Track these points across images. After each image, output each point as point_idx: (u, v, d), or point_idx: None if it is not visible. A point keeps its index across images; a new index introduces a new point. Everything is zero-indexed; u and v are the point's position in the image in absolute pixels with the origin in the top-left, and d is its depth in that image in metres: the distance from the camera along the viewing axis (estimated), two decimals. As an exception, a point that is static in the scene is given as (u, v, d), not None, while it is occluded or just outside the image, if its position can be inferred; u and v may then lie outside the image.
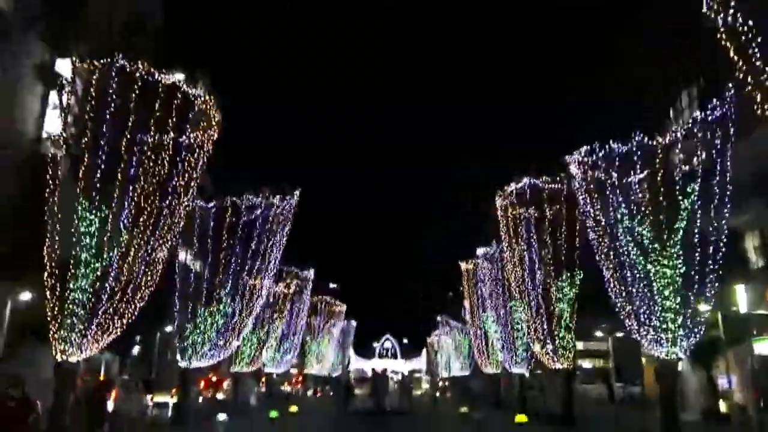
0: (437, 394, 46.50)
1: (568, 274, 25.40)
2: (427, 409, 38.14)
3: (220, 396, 36.80)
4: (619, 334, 49.35)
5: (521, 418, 26.30)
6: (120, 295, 16.91)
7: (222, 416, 25.92)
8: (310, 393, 62.89)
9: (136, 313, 17.52)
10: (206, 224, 25.35)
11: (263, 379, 47.02)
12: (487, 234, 34.70)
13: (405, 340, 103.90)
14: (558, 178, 24.13)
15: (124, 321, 17.18)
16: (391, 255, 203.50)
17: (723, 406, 29.96)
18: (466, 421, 28.25)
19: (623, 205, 16.49)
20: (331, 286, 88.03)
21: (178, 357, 25.54)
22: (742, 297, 25.96)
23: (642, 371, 48.09)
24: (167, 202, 18.67)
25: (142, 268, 17.90)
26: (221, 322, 25.82)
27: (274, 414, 27.10)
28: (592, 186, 18.00)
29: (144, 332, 36.79)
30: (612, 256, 17.43)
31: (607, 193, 17.28)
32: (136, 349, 39.55)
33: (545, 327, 25.54)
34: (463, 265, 43.98)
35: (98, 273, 16.49)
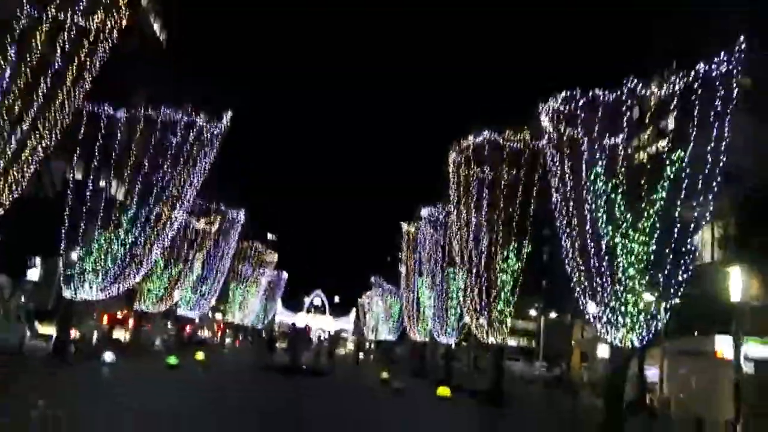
0: (360, 356, 44.41)
1: (515, 244, 23.10)
2: (347, 371, 35.82)
3: (120, 334, 33.13)
4: (552, 315, 48.34)
5: (444, 391, 24.26)
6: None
7: (109, 356, 22.66)
8: (228, 341, 59.78)
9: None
10: (113, 134, 21.42)
11: (174, 323, 43.54)
12: (438, 192, 32.13)
13: (336, 299, 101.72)
14: (523, 134, 21.52)
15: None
16: (331, 206, 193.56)
17: (648, 399, 29.00)
18: (385, 388, 26.01)
19: (600, 164, 13.94)
20: (269, 237, 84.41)
21: (62, 285, 21.91)
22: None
23: (570, 354, 47.97)
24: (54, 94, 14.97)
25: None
26: (119, 251, 22.25)
27: (172, 360, 24.05)
28: (564, 140, 15.36)
29: (44, 253, 32.57)
30: (575, 223, 14.95)
31: (582, 149, 14.68)
32: (35, 273, 35.21)
33: (483, 298, 23.27)
34: (404, 226, 41.49)
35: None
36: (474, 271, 24.13)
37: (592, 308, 15.03)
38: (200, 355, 29.36)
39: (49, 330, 27.88)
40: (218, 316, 63.57)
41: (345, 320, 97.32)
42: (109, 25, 16.05)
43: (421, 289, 40.15)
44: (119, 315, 37.27)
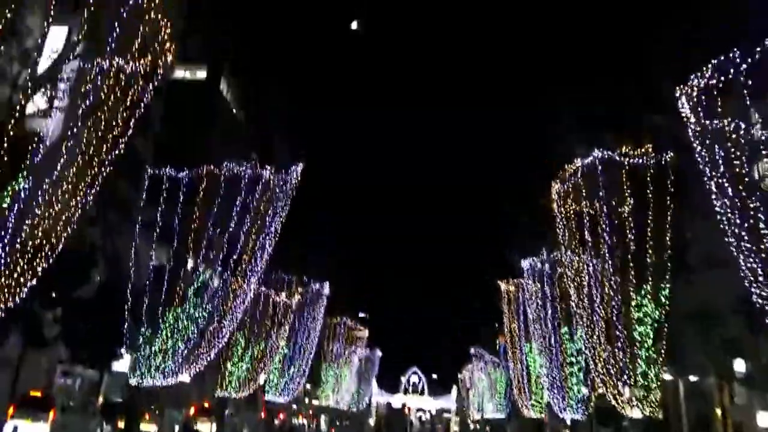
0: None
1: (650, 286, 18.45)
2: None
3: (205, 426, 30.34)
4: (691, 378, 40.66)
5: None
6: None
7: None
8: (324, 428, 55.79)
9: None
10: (173, 194, 19.51)
11: (264, 410, 40.48)
12: (539, 240, 28.02)
13: (434, 375, 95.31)
14: (645, 147, 17.46)
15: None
16: (419, 278, 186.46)
17: None
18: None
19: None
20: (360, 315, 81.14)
21: (126, 370, 19.58)
22: None
23: (714, 426, 39.78)
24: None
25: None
26: (188, 328, 19.77)
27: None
28: (716, 124, 11.34)
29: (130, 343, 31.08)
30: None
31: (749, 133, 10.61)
32: (123, 365, 33.78)
33: (619, 358, 18.51)
34: (502, 285, 37.02)
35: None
36: (599, 326, 19.53)
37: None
38: (288, 445, 25.96)
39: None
40: (309, 400, 60.24)
41: (446, 399, 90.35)
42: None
43: (530, 355, 35.07)
44: (206, 404, 34.80)
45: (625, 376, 18.35)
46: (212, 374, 29.50)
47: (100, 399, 28.93)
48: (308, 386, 59.11)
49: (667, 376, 47.11)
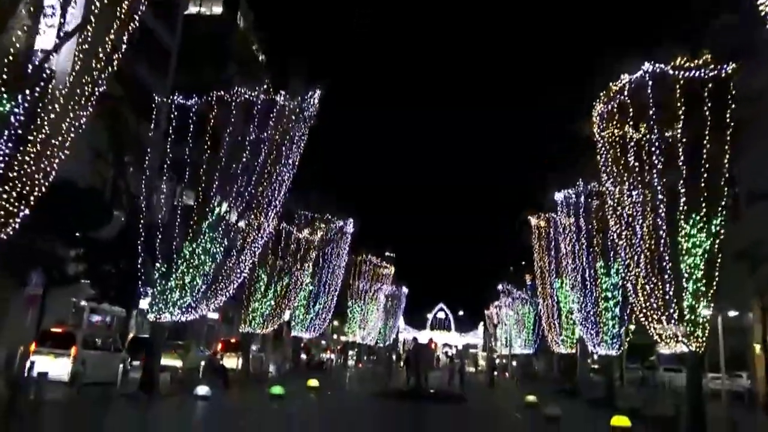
0: (495, 373, 38.63)
1: (703, 215, 16.75)
2: (482, 394, 30.36)
3: (233, 362, 30.26)
4: (732, 312, 39.11)
5: (621, 420, 18.28)
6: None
7: (202, 389, 19.34)
8: (351, 363, 56.36)
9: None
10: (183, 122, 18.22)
11: (291, 346, 40.56)
12: (573, 170, 26.25)
13: (461, 312, 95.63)
14: (702, 57, 15.39)
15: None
16: (447, 215, 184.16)
17: None
18: (536, 416, 20.48)
19: None
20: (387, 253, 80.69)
21: (146, 307, 18.96)
22: None
23: (753, 362, 38.56)
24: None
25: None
26: (206, 262, 18.90)
27: (276, 390, 20.28)
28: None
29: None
30: None
31: None
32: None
33: (664, 292, 17.09)
34: (533, 220, 35.56)
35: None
36: (644, 257, 18.04)
37: None
38: (313, 382, 25.57)
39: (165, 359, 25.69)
40: (337, 336, 60.82)
41: (473, 335, 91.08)
42: None
43: (561, 291, 33.98)
44: (233, 340, 34.78)
45: (671, 311, 16.97)
46: (240, 312, 29.15)
47: (130, 335, 28.90)
48: (335, 323, 59.61)
49: (706, 311, 45.57)
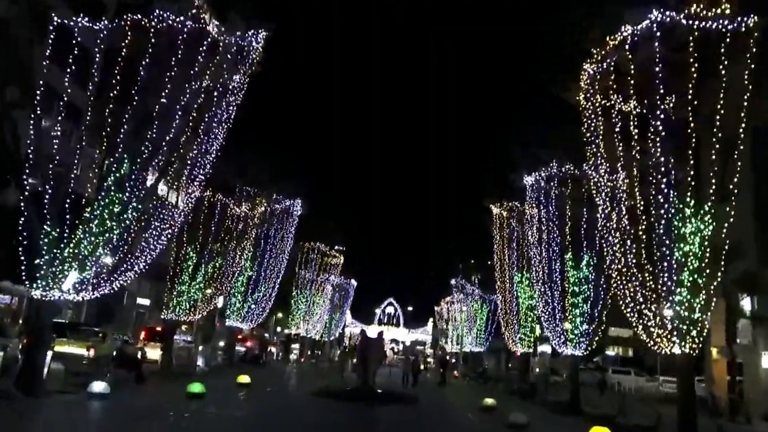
0: (441, 370, 35.92)
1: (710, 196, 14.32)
2: (433, 395, 27.55)
3: (154, 353, 26.36)
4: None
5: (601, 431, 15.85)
6: None
7: (98, 386, 15.73)
8: (293, 358, 52.76)
9: None
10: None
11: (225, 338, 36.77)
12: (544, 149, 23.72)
13: (410, 308, 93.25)
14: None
15: None
16: (400, 204, 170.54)
17: None
18: (495, 422, 17.81)
19: None
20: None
21: (29, 282, 15.11)
22: None
23: (709, 365, 37.22)
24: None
25: None
26: (112, 230, 15.24)
27: (195, 389, 16.89)
28: None
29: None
30: None
31: None
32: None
33: (657, 283, 14.63)
34: (494, 209, 33.10)
35: None
36: (627, 246, 15.56)
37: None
38: (244, 378, 22.17)
39: (68, 347, 21.82)
40: (281, 329, 57.07)
41: (422, 331, 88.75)
42: None
43: (521, 286, 31.68)
44: (158, 328, 30.76)
45: (662, 305, 14.52)
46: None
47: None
48: (279, 315, 55.85)
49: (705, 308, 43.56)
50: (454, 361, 54.91)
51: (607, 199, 16.43)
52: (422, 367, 37.96)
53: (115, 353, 23.51)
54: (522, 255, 31.27)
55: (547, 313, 24.66)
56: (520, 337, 31.63)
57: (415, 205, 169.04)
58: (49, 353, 18.82)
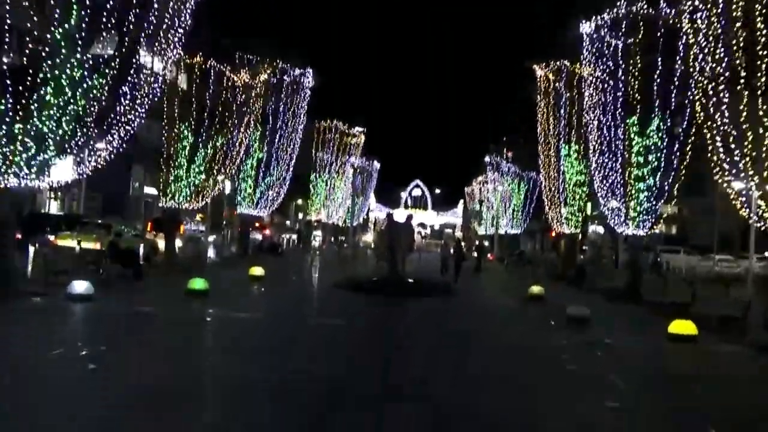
0: (476, 254, 33.09)
1: None
2: (470, 284, 24.68)
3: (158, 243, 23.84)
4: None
5: (684, 326, 12.83)
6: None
7: (80, 285, 13.02)
8: (315, 245, 50.59)
9: None
10: None
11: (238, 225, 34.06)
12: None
13: (437, 190, 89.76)
14: None
15: None
16: (423, 70, 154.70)
17: None
18: (555, 317, 14.79)
19: None
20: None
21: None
22: None
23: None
24: None
25: None
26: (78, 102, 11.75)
27: (196, 285, 14.36)
28: None
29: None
30: None
31: None
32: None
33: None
34: (539, 70, 28.44)
35: None
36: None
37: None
38: (257, 270, 19.56)
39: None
40: (303, 216, 54.78)
41: (451, 213, 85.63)
42: None
43: (569, 159, 27.83)
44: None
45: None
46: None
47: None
48: (299, 201, 53.28)
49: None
50: (487, 243, 52.34)
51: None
52: (468, 251, 35.05)
53: (104, 247, 20.81)
54: (570, 124, 27.16)
55: (604, 188, 21.04)
56: (567, 217, 28.26)
57: (444, 75, 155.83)
58: (31, 249, 16.54)
